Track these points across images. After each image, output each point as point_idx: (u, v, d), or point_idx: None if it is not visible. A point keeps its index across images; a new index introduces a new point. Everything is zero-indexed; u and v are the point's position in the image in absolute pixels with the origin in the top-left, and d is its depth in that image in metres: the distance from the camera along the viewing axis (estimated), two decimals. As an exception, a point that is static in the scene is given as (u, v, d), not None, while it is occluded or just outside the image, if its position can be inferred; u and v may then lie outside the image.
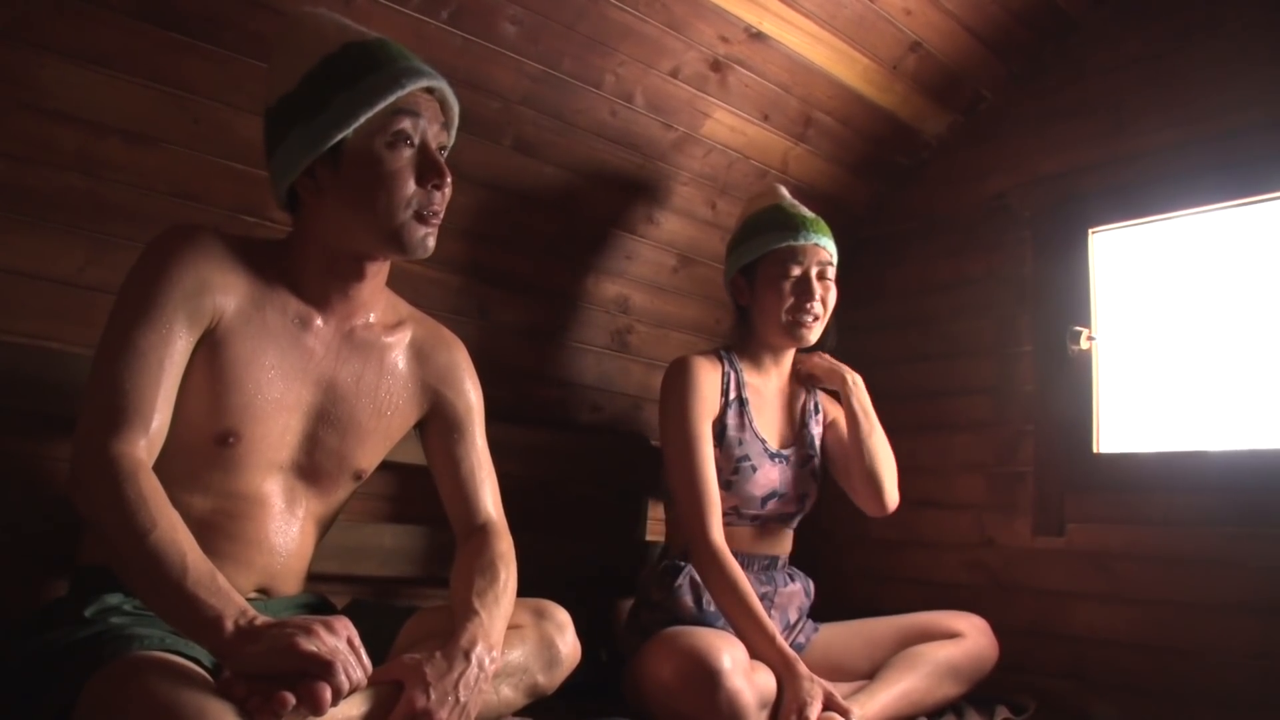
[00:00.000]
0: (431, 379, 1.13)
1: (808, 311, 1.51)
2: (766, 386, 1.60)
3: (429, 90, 1.02)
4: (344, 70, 0.97)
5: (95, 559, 0.97)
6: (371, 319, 1.08)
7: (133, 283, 0.94)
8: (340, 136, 0.96)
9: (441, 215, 1.00)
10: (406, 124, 0.97)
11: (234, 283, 0.96)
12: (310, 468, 1.03)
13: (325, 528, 1.11)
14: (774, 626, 1.35)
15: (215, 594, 0.78)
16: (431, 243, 1.00)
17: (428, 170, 0.98)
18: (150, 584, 0.80)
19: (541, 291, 1.74)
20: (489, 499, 1.13)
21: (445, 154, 1.03)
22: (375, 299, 1.08)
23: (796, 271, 1.51)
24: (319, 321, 1.03)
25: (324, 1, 1.18)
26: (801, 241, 1.51)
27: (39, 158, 1.21)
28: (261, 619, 0.78)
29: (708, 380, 1.51)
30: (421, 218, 0.98)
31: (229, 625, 0.76)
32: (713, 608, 1.43)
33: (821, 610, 1.61)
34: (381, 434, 1.08)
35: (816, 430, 1.64)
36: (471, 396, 1.16)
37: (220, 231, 0.99)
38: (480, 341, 1.66)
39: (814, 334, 1.53)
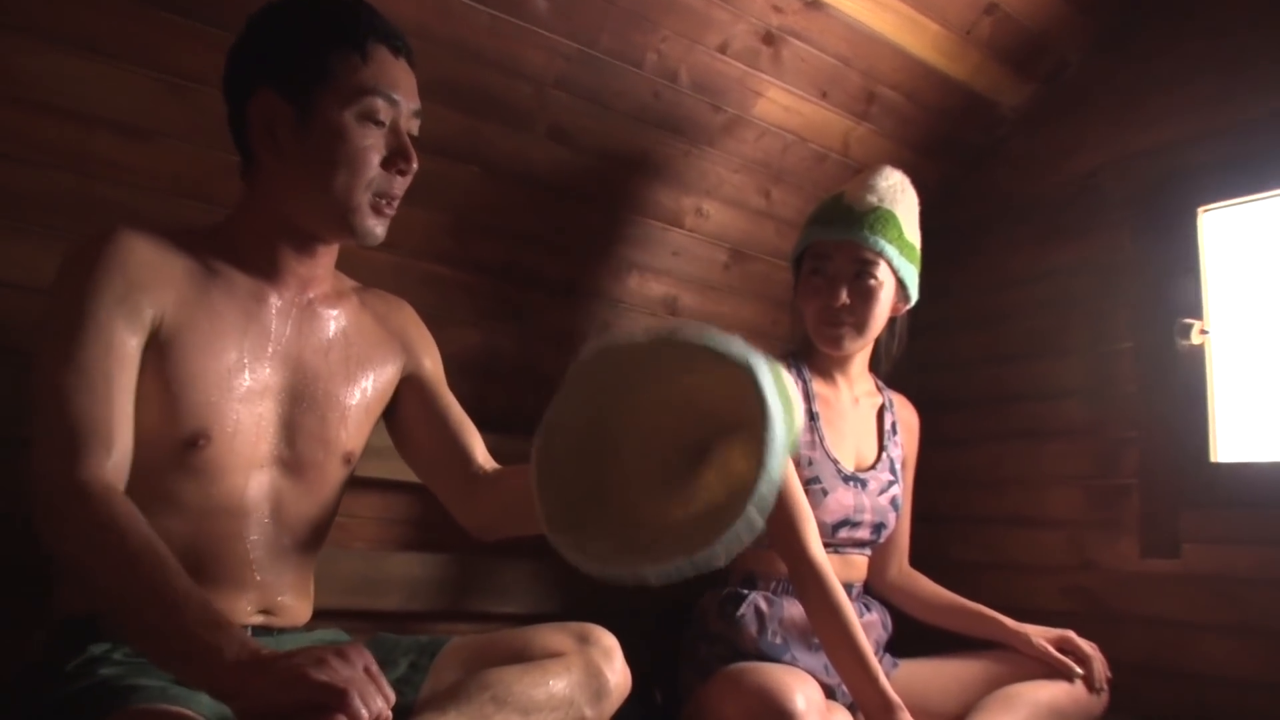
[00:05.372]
0: (398, 338, 1.11)
1: (833, 312, 1.40)
2: (838, 399, 1.50)
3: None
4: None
5: (74, 610, 0.90)
6: (326, 290, 1.06)
7: (58, 299, 0.89)
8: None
9: (397, 204, 0.99)
10: (380, 104, 0.94)
11: (168, 276, 0.92)
12: (294, 460, 0.99)
13: (321, 533, 1.05)
14: (878, 665, 1.24)
15: (212, 627, 0.73)
16: (381, 232, 0.99)
17: (396, 154, 0.96)
18: (137, 622, 0.76)
19: (581, 293, 1.66)
20: (483, 450, 1.10)
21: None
22: (329, 273, 1.06)
23: (825, 269, 1.42)
24: (274, 296, 0.99)
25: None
26: (833, 236, 1.41)
27: (22, 154, 1.14)
28: (267, 650, 0.73)
29: None
30: (377, 206, 0.97)
31: (230, 659, 0.71)
32: (779, 639, 1.34)
33: (900, 643, 1.50)
34: (363, 408, 1.05)
35: (897, 454, 1.54)
36: (435, 351, 1.15)
37: (141, 224, 0.94)
38: (516, 349, 1.60)
39: (848, 342, 1.42)
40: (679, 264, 1.75)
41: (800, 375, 1.47)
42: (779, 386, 0.75)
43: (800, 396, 1.38)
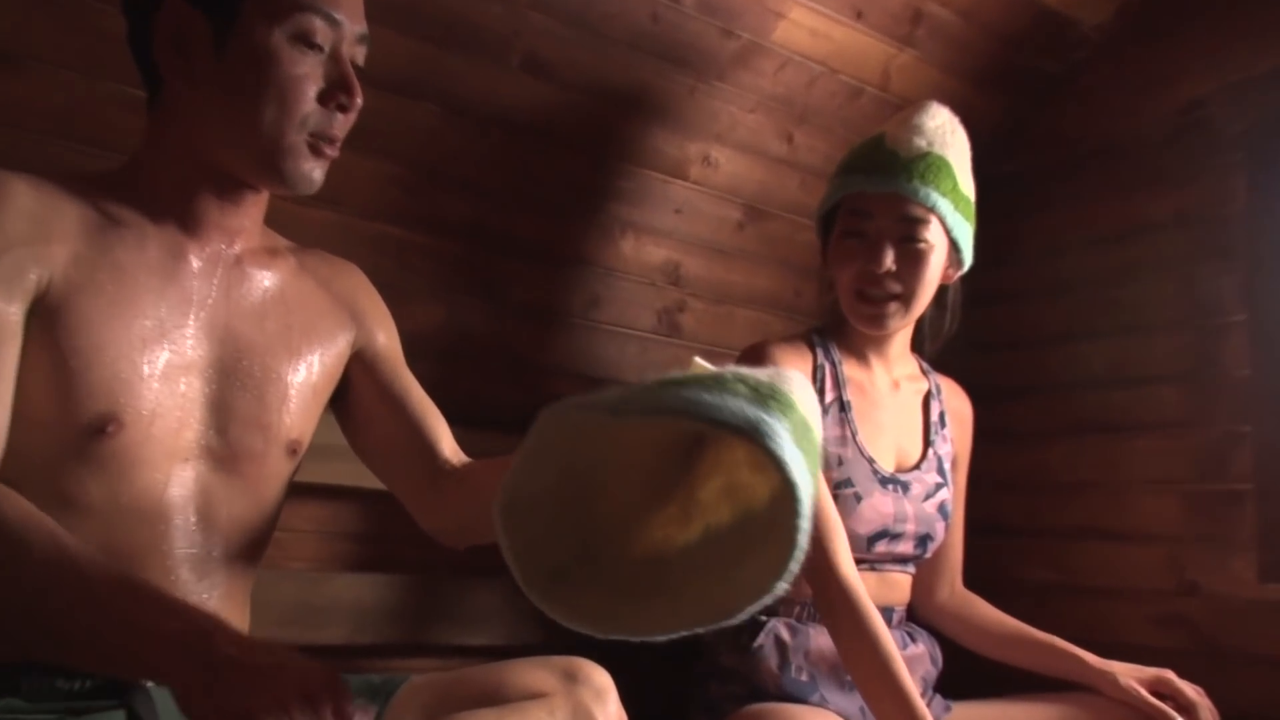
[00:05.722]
0: (346, 306, 1.05)
1: (875, 280, 1.29)
2: (874, 384, 1.39)
3: None
4: None
5: None
6: (255, 245, 0.99)
7: None
8: None
9: (338, 147, 0.93)
10: (318, 25, 0.88)
11: (58, 228, 0.85)
12: (226, 450, 0.92)
13: (260, 543, 0.98)
14: (925, 708, 1.14)
15: (158, 600, 0.72)
16: (319, 176, 0.92)
17: (336, 86, 0.90)
18: (67, 629, 0.73)
19: (564, 259, 1.58)
20: (451, 440, 1.04)
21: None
22: (258, 226, 0.99)
23: (864, 229, 1.31)
24: (194, 252, 0.92)
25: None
26: (873, 188, 1.29)
27: None
28: (235, 641, 0.69)
29: None
30: (315, 146, 0.91)
31: (214, 637, 0.68)
32: (805, 675, 1.25)
33: (952, 682, 1.39)
34: (309, 388, 0.99)
35: (946, 450, 1.42)
36: (390, 323, 1.10)
37: (24, 172, 0.87)
38: (488, 327, 1.52)
39: (892, 319, 1.32)
40: (682, 223, 1.66)
41: (828, 356, 1.37)
42: (793, 424, 0.65)
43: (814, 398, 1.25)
